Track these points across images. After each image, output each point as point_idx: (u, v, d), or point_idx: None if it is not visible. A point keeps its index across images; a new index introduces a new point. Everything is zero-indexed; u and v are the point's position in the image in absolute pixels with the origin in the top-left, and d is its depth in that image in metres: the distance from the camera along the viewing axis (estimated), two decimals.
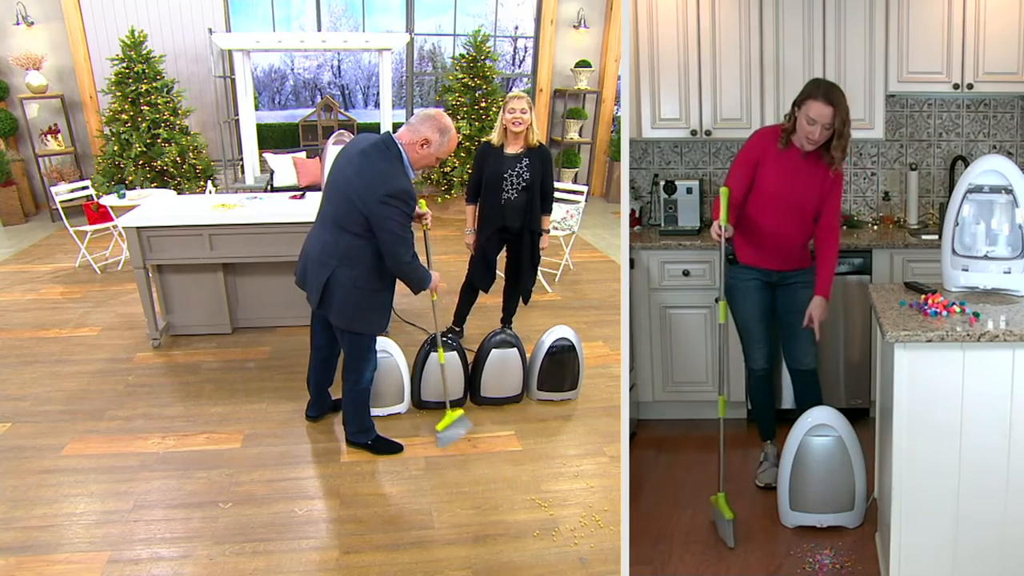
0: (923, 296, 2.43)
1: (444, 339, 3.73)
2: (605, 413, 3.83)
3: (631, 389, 3.66)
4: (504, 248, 4.42)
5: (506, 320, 4.65)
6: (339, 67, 15.22)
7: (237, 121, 8.21)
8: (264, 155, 8.23)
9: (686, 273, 3.63)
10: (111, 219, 6.46)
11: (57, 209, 6.64)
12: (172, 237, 4.39)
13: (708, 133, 3.72)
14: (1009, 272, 2.49)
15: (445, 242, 7.23)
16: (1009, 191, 2.47)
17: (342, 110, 9.72)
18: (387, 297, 3.23)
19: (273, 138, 10.89)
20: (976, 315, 2.30)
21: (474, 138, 8.10)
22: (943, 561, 2.36)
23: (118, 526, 2.87)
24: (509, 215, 4.20)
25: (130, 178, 7.52)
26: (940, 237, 2.77)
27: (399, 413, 3.79)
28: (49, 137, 8.20)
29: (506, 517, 2.96)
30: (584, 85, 9.33)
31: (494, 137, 4.19)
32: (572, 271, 6.37)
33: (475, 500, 3.08)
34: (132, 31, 7.48)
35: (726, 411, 2.78)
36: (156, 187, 7.45)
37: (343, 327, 3.17)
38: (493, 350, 3.78)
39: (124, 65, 7.48)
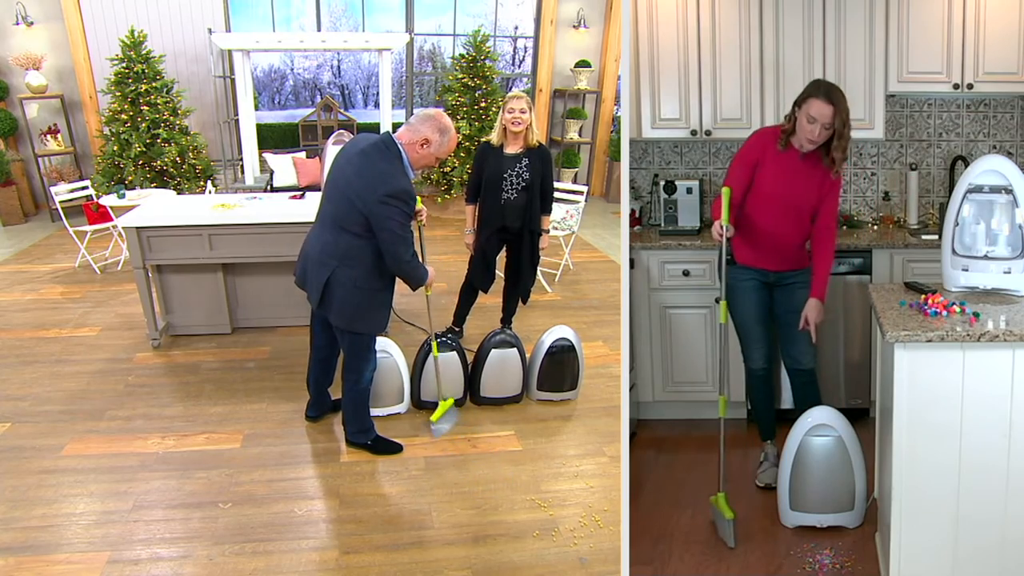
0: (923, 296, 2.43)
1: (444, 339, 3.73)
2: (605, 413, 3.83)
3: (631, 389, 3.66)
4: (504, 248, 4.42)
5: (506, 320, 4.65)
6: (339, 67, 15.23)
7: (237, 121, 8.22)
8: (264, 155, 8.23)
9: (686, 273, 3.63)
10: (111, 219, 6.46)
11: (57, 209, 6.64)
12: (172, 237, 4.39)
13: (708, 133, 3.72)
14: (1009, 272, 2.49)
15: (445, 242, 7.23)
16: (1009, 191, 2.47)
17: (342, 110, 9.72)
18: (387, 297, 3.23)
19: (273, 138, 10.89)
20: (976, 315, 2.29)
21: (474, 138, 8.10)
22: (943, 561, 2.36)
23: (118, 526, 2.87)
24: (509, 215, 4.20)
25: (130, 178, 7.52)
26: (940, 237, 2.77)
27: (399, 413, 3.79)
28: (49, 137, 8.19)
29: (506, 517, 2.96)
30: (584, 85, 9.32)
31: (494, 137, 4.19)
32: (572, 271, 6.37)
33: (475, 500, 3.07)
34: (132, 31, 7.48)
35: (726, 411, 2.78)
36: (156, 187, 7.44)
37: (343, 327, 3.17)
38: (493, 350, 3.78)
39: (124, 65, 7.48)
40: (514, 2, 10.03)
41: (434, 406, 3.72)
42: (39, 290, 5.84)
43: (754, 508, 2.98)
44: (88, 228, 6.45)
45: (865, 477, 2.79)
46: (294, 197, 4.97)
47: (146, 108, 7.48)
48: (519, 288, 4.46)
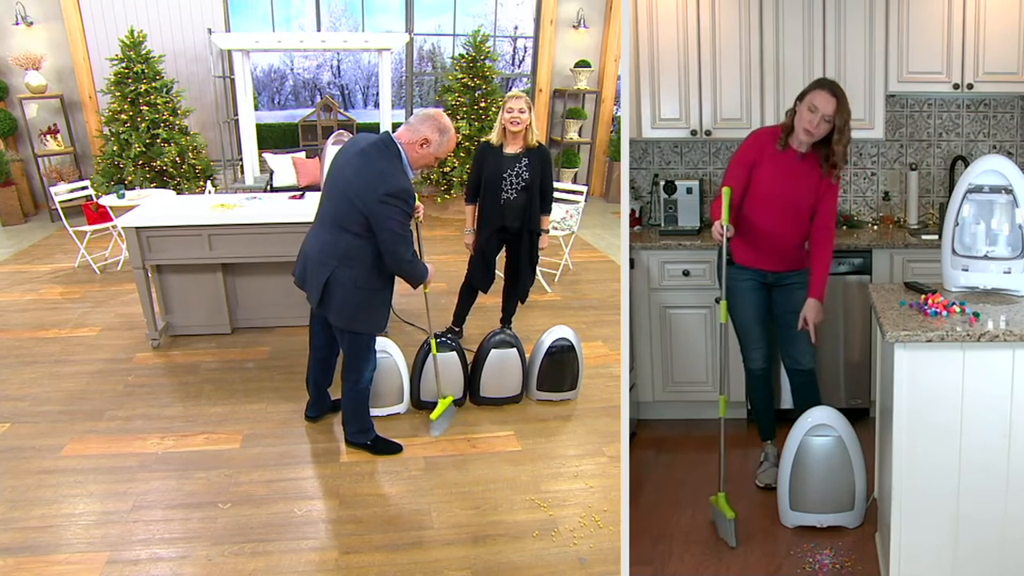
0: (923, 296, 2.43)
1: (443, 339, 3.73)
2: (604, 413, 3.83)
3: (631, 389, 3.66)
4: (503, 248, 4.42)
5: (505, 320, 4.64)
6: (339, 67, 15.22)
7: (236, 121, 8.21)
8: (263, 155, 8.23)
9: (686, 273, 3.63)
10: (110, 219, 6.45)
11: (56, 209, 6.64)
12: (171, 237, 4.39)
13: (708, 133, 3.72)
14: (1009, 272, 2.49)
15: (444, 242, 7.23)
16: (1009, 191, 2.47)
17: (341, 110, 9.72)
18: (386, 296, 3.23)
19: (272, 138, 10.88)
20: (976, 315, 2.29)
21: (474, 138, 8.10)
22: (943, 561, 2.36)
23: (117, 527, 2.87)
24: (508, 215, 4.20)
25: (129, 178, 7.52)
26: (940, 237, 2.77)
27: (398, 413, 3.79)
28: (48, 137, 8.19)
29: (505, 517, 2.96)
30: (583, 85, 9.32)
31: (493, 137, 4.19)
32: (572, 271, 6.37)
33: (474, 500, 3.07)
34: (131, 31, 7.48)
35: (726, 411, 2.78)
36: (155, 187, 7.44)
37: (343, 327, 3.17)
38: (492, 350, 3.78)
39: (123, 65, 7.48)
40: (514, 2, 10.02)
41: (434, 406, 3.72)
42: (39, 290, 5.83)
43: (754, 508, 2.98)
44: (88, 228, 6.45)
45: (865, 477, 2.79)
46: (294, 197, 4.97)
47: (146, 108, 7.48)
48: (518, 288, 4.46)
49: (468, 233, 4.42)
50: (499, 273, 4.64)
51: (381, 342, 3.62)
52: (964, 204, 2.53)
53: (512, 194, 4.16)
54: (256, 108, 8.37)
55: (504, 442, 3.55)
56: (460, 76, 8.37)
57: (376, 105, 9.76)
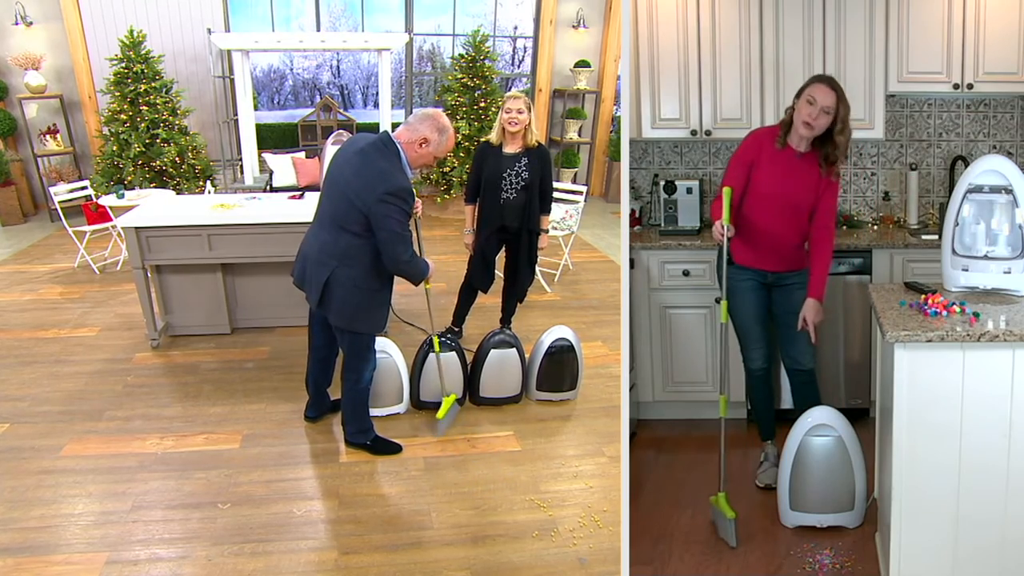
0: (923, 296, 2.43)
1: (443, 339, 3.73)
2: (604, 413, 3.83)
3: (631, 389, 3.66)
4: (503, 248, 4.42)
5: (505, 320, 4.64)
6: (338, 67, 15.22)
7: (236, 121, 8.21)
8: (263, 155, 8.23)
9: (686, 273, 3.63)
10: (110, 219, 6.45)
11: (56, 209, 6.63)
12: (171, 237, 4.38)
13: (708, 133, 3.72)
14: (1009, 272, 2.49)
15: (444, 242, 7.23)
16: (1009, 191, 2.47)
17: (341, 110, 9.72)
18: (386, 296, 3.23)
19: (272, 138, 10.88)
20: (976, 315, 2.29)
21: (473, 138, 8.10)
22: (943, 561, 2.36)
23: (116, 527, 2.87)
24: (508, 215, 4.20)
25: (129, 178, 7.51)
26: (940, 237, 2.77)
27: (398, 413, 3.79)
28: (48, 137, 8.19)
29: (505, 518, 2.96)
30: (583, 85, 9.32)
31: (493, 137, 4.19)
32: (571, 271, 6.37)
33: (474, 501, 3.07)
34: (131, 31, 7.48)
35: (726, 411, 2.78)
36: (155, 187, 7.44)
37: (343, 327, 3.17)
38: (492, 350, 3.78)
39: (123, 65, 7.48)
40: (513, 2, 10.02)
41: (434, 407, 3.72)
42: (38, 290, 5.83)
43: (754, 508, 2.98)
44: (87, 228, 6.44)
45: (865, 477, 2.79)
46: (293, 197, 4.96)
47: (145, 108, 7.47)
48: (517, 287, 4.46)
49: (468, 233, 4.42)
50: (499, 273, 4.63)
51: (381, 342, 3.62)
52: (964, 204, 2.53)
53: (512, 194, 4.16)
54: (256, 108, 8.37)
55: (504, 442, 3.55)
56: (460, 76, 8.37)
57: (376, 105, 9.76)
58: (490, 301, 4.91)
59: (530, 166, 4.12)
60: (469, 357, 3.86)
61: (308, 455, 3.44)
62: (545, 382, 3.88)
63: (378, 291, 3.15)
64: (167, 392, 4.06)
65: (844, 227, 3.83)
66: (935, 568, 2.36)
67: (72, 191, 6.74)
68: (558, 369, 3.86)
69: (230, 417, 3.76)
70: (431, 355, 3.69)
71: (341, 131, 7.22)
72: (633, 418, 3.69)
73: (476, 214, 4.34)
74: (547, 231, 4.36)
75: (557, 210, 5.97)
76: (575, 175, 9.59)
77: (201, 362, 4.45)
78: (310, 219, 3.29)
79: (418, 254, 3.20)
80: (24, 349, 4.64)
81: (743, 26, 3.59)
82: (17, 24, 7.88)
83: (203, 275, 4.68)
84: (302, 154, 8.35)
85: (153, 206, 4.74)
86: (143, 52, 7.51)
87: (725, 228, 2.76)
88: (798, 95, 2.75)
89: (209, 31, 8.09)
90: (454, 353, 3.74)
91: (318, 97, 12.50)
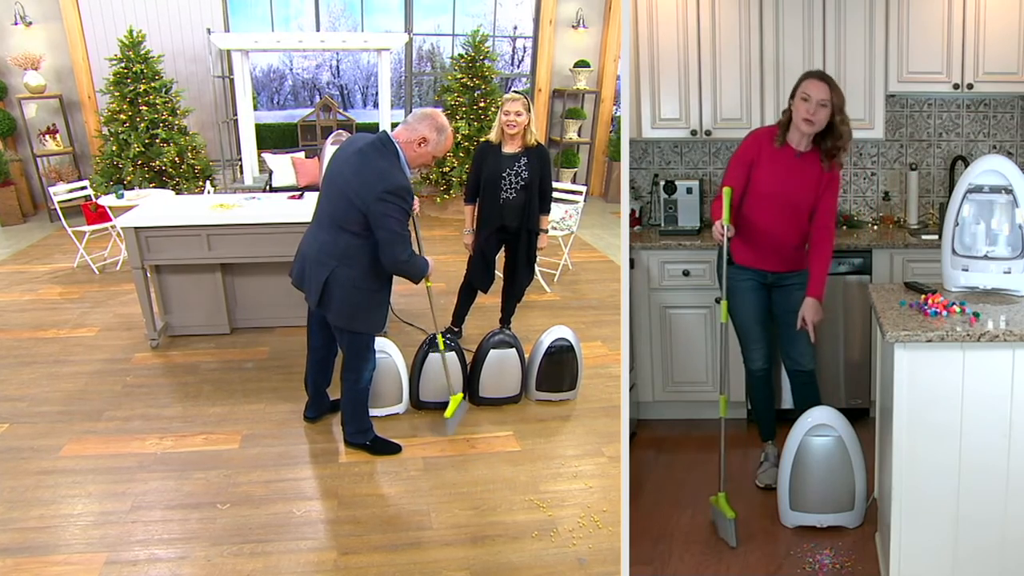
0: (923, 296, 2.43)
1: (443, 339, 3.72)
2: (604, 413, 3.83)
3: (631, 389, 3.66)
4: (503, 248, 4.41)
5: (505, 320, 4.64)
6: (338, 67, 15.21)
7: (236, 121, 8.21)
8: (263, 155, 8.23)
9: (686, 273, 3.63)
10: (109, 219, 6.45)
11: (55, 209, 6.63)
12: (170, 237, 4.38)
13: (708, 133, 3.72)
14: (1009, 272, 2.48)
15: (444, 242, 7.22)
16: (1009, 191, 2.47)
17: (341, 110, 9.71)
18: (385, 296, 3.23)
19: (272, 138, 10.87)
20: (976, 315, 2.29)
21: (473, 138, 8.10)
22: (943, 561, 2.35)
23: (116, 527, 2.86)
24: (507, 214, 4.20)
25: (128, 178, 7.51)
26: (940, 237, 2.77)
27: (398, 413, 3.78)
28: (47, 137, 8.18)
29: (504, 518, 2.95)
30: (583, 85, 9.32)
31: (492, 136, 4.19)
32: (571, 271, 6.37)
33: (473, 501, 3.07)
34: (130, 31, 7.47)
35: (727, 411, 2.77)
36: (154, 187, 7.43)
37: (342, 326, 3.17)
38: (492, 350, 3.77)
39: (122, 65, 7.47)
40: (513, 2, 10.02)
41: (433, 407, 3.71)
42: (37, 290, 5.83)
43: (754, 508, 2.97)
44: (87, 228, 6.44)
45: (865, 477, 2.79)
46: (293, 197, 4.96)
47: (145, 108, 7.47)
48: (515, 287, 4.46)
49: (467, 233, 4.41)
50: (498, 273, 4.63)
51: (380, 342, 3.61)
52: (964, 204, 2.53)
53: (511, 194, 4.15)
54: (255, 108, 8.36)
55: (503, 442, 3.54)
56: (459, 76, 8.37)
57: (375, 105, 9.76)
58: (490, 301, 4.91)
59: (529, 166, 4.12)
60: (469, 357, 3.86)
61: (307, 455, 3.44)
62: (545, 382, 3.88)
63: (377, 291, 3.15)
64: (166, 392, 4.06)
65: (844, 227, 3.83)
66: (935, 568, 2.36)
67: (71, 191, 6.73)
68: (558, 369, 3.85)
69: (229, 417, 3.76)
70: (433, 354, 3.68)
71: (340, 131, 7.21)
72: (633, 418, 3.69)
73: (476, 214, 4.34)
74: (547, 231, 4.36)
75: (557, 210, 5.97)
76: (575, 175, 9.59)
77: (200, 362, 4.44)
78: (309, 219, 3.29)
79: (417, 252, 3.20)
80: (23, 349, 4.64)
81: (743, 26, 3.58)
82: (16, 24, 7.87)
83: (202, 275, 4.68)
84: (301, 154, 8.35)
85: (152, 206, 4.74)
86: (143, 52, 7.50)
87: (725, 228, 2.76)
88: (792, 95, 2.77)
89: (209, 31, 8.08)
90: (453, 353, 3.73)
91: (318, 97, 12.49)
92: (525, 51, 10.60)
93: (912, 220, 3.83)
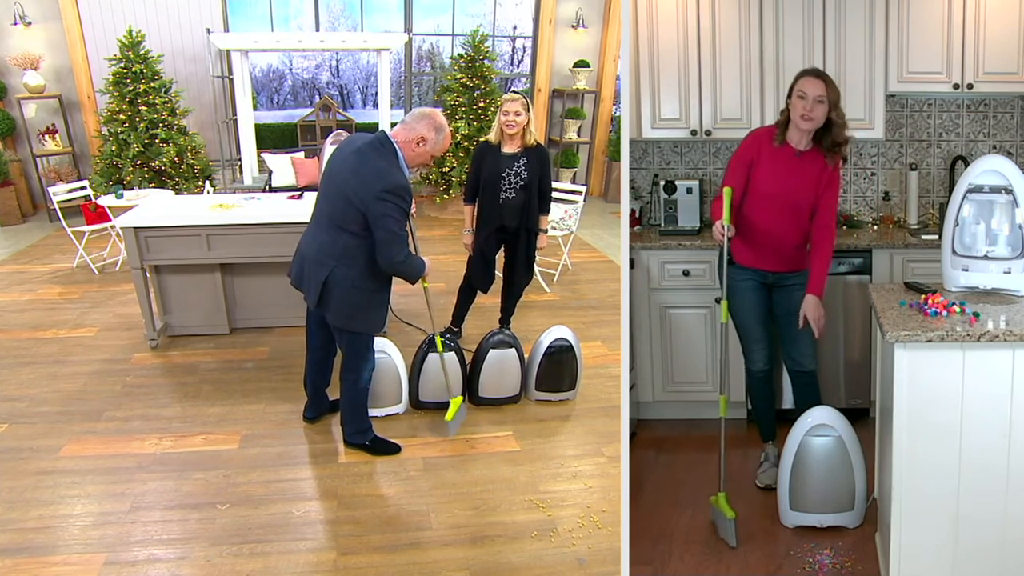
0: (923, 296, 2.42)
1: (443, 339, 3.72)
2: (603, 413, 3.82)
3: (631, 389, 3.65)
4: (502, 248, 4.41)
5: (504, 320, 4.64)
6: (337, 67, 15.21)
7: (235, 121, 8.21)
8: (262, 155, 8.22)
9: (686, 273, 3.63)
10: (109, 219, 6.44)
11: (55, 209, 6.62)
12: (170, 237, 4.38)
13: (708, 133, 3.71)
14: (1009, 272, 2.48)
15: (444, 242, 7.22)
16: (1009, 191, 2.47)
17: (340, 110, 9.70)
18: (384, 296, 3.22)
19: (271, 138, 10.86)
20: (976, 315, 2.29)
21: (472, 138, 8.09)
22: (943, 561, 2.35)
23: (115, 527, 2.86)
24: (507, 214, 4.20)
25: (128, 178, 7.50)
26: (940, 237, 2.77)
27: (397, 414, 3.78)
28: (47, 137, 8.18)
29: (504, 518, 2.95)
30: (582, 85, 9.32)
31: (492, 136, 4.18)
32: (571, 271, 6.36)
33: (473, 501, 3.06)
34: (130, 31, 7.47)
35: (727, 411, 2.77)
36: (154, 187, 7.43)
37: (341, 326, 3.16)
38: (491, 350, 3.77)
39: (122, 65, 7.47)
40: (513, 2, 10.01)
41: (433, 407, 3.71)
42: (37, 291, 5.82)
43: (754, 508, 2.97)
44: (86, 228, 6.44)
45: (865, 477, 2.79)
46: (292, 197, 4.96)
47: (144, 108, 7.46)
48: (514, 287, 4.46)
49: (467, 233, 4.41)
50: (498, 273, 4.63)
51: (380, 342, 3.61)
52: (964, 204, 2.53)
53: (511, 193, 4.15)
54: (255, 108, 8.36)
55: (503, 442, 3.54)
56: (459, 76, 8.36)
57: (375, 105, 9.75)
58: (489, 301, 4.90)
59: (529, 166, 4.12)
60: (468, 357, 3.86)
61: (307, 455, 3.44)
62: (544, 382, 3.88)
63: (376, 291, 3.15)
64: (166, 392, 4.05)
65: (844, 227, 3.83)
66: (935, 568, 2.36)
67: (71, 191, 6.73)
68: (557, 369, 3.85)
69: (229, 417, 3.75)
70: (431, 355, 3.68)
71: (340, 131, 7.20)
72: (633, 418, 3.69)
73: (475, 214, 4.33)
74: (546, 231, 4.36)
75: (556, 210, 5.97)
76: (574, 175, 9.59)
77: (200, 362, 4.44)
78: (308, 219, 3.28)
79: (413, 252, 3.19)
80: (23, 349, 4.64)
81: (743, 26, 3.58)
82: (16, 24, 7.87)
83: (202, 275, 4.68)
84: (301, 154, 8.35)
85: (152, 206, 4.74)
86: (142, 52, 7.50)
87: (725, 228, 2.75)
88: (789, 94, 2.78)
89: (208, 31, 8.08)
90: (453, 353, 3.73)
91: (317, 97, 12.49)
92: (525, 51, 10.60)
93: (912, 220, 3.83)
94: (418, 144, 3.06)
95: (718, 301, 2.90)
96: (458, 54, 8.56)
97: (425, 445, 3.50)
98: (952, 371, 2.24)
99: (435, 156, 3.17)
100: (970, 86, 3.53)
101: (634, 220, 4.02)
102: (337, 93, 15.09)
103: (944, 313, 2.33)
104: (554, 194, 4.62)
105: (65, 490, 3.12)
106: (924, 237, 3.62)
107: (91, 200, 6.87)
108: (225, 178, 8.35)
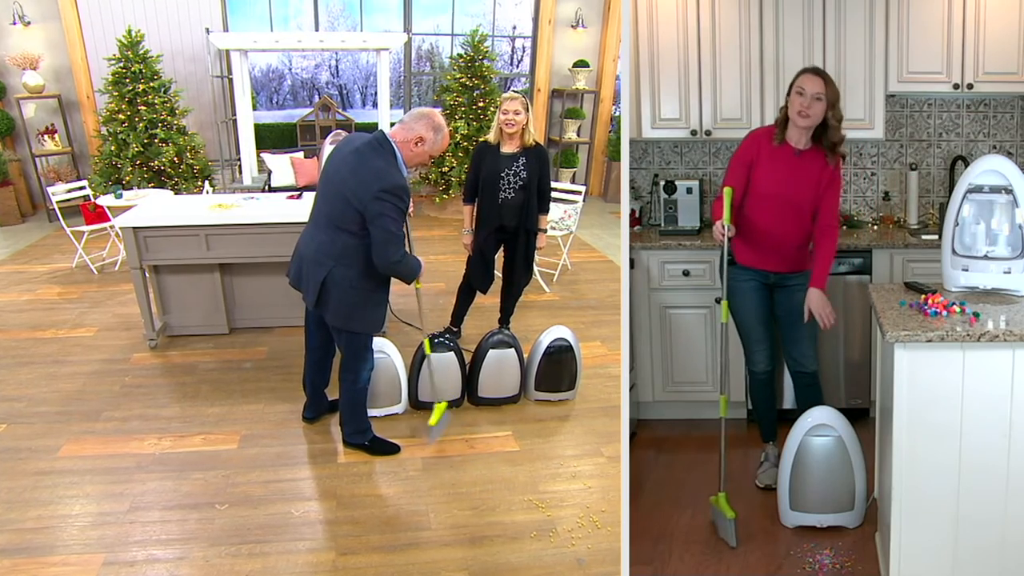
0: (923, 296, 2.42)
1: (441, 339, 3.72)
2: (603, 413, 3.82)
3: (631, 389, 3.65)
4: (502, 248, 4.41)
5: (504, 320, 4.63)
6: (337, 67, 15.19)
7: (235, 121, 8.20)
8: (262, 155, 8.21)
9: (686, 273, 3.62)
10: (108, 219, 6.43)
11: (54, 209, 6.62)
12: (169, 237, 4.37)
13: (708, 133, 3.71)
14: (1009, 272, 2.48)
15: (443, 242, 7.22)
16: (1009, 191, 2.47)
17: (340, 110, 9.70)
18: (383, 296, 3.22)
19: (271, 138, 10.85)
20: (976, 315, 2.29)
21: (472, 138, 8.09)
22: (943, 561, 2.35)
23: (114, 528, 2.85)
24: (506, 214, 4.19)
25: (127, 178, 7.49)
26: (940, 237, 2.77)
27: (396, 414, 3.78)
28: (46, 137, 8.17)
29: (503, 518, 2.95)
30: (582, 85, 9.32)
31: (491, 136, 4.18)
32: (570, 271, 6.36)
33: (472, 501, 3.06)
34: (129, 31, 7.46)
35: (727, 411, 2.77)
36: (153, 187, 7.42)
37: (340, 326, 3.16)
38: (491, 350, 3.77)
39: (121, 65, 7.46)
40: (512, 2, 10.01)
41: (433, 406, 3.70)
42: (36, 291, 5.82)
43: (754, 508, 2.97)
44: (85, 228, 6.43)
45: (865, 477, 2.78)
46: (292, 197, 4.96)
47: (143, 108, 7.46)
48: (513, 287, 4.45)
49: (466, 233, 4.41)
50: (498, 273, 4.63)
51: (379, 342, 3.61)
52: (964, 204, 2.53)
53: (510, 193, 4.15)
54: (254, 108, 8.35)
55: (502, 442, 3.54)
56: (458, 76, 8.36)
57: (374, 105, 9.75)
58: (489, 301, 4.90)
59: (528, 166, 4.12)
60: (468, 357, 3.86)
61: (306, 456, 3.43)
62: (544, 382, 3.87)
63: (375, 291, 3.15)
64: (165, 392, 4.05)
65: (844, 227, 3.83)
66: (935, 568, 2.36)
67: (70, 191, 6.72)
68: (557, 369, 3.85)
69: (228, 417, 3.75)
70: (432, 354, 3.67)
71: (339, 131, 7.19)
72: (633, 418, 3.69)
73: (474, 214, 4.33)
74: (545, 231, 4.36)
75: (556, 210, 5.96)
76: (574, 175, 9.58)
77: (199, 362, 4.44)
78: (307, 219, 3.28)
79: (409, 252, 3.19)
80: (22, 349, 4.63)
81: (743, 26, 3.58)
82: (15, 24, 7.86)
83: (201, 275, 4.67)
84: (300, 154, 8.34)
85: (151, 206, 4.73)
86: (141, 52, 7.49)
87: (725, 228, 2.75)
88: (788, 92, 2.78)
89: (207, 31, 8.07)
90: (452, 353, 3.73)
91: (316, 97, 12.48)
92: (524, 51, 10.59)
93: (912, 220, 3.83)
94: (416, 144, 3.06)
95: (718, 301, 2.90)
96: (457, 54, 8.55)
97: (424, 445, 3.50)
98: (952, 371, 2.24)
99: (433, 156, 3.17)
100: (970, 86, 3.53)
101: (634, 220, 4.01)
102: (336, 93, 15.08)
103: (944, 313, 2.33)
104: (553, 194, 4.62)
105: (64, 490, 3.11)
106: (924, 237, 3.62)
107: (90, 200, 6.86)
108: (224, 178, 8.34)
